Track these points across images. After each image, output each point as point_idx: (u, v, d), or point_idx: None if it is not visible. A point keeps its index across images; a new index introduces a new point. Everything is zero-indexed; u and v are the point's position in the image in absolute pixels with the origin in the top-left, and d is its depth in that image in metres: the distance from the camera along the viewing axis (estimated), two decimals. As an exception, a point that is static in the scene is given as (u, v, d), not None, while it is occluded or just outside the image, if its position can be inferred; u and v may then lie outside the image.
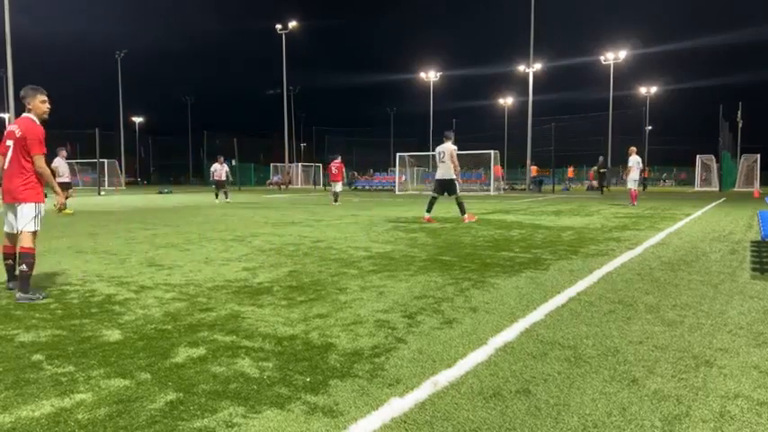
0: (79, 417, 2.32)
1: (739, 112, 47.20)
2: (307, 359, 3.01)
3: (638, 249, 7.22)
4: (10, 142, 4.60)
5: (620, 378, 2.75)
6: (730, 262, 6.21)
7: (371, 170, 47.18)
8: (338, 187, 19.44)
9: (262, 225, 11.00)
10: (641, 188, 43.79)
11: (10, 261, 4.77)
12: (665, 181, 59.67)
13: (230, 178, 23.18)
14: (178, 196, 27.69)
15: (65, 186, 14.54)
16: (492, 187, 32.99)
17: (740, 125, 48.38)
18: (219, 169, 22.45)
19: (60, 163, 15.04)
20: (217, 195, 22.55)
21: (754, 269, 5.75)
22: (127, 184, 53.33)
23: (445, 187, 11.84)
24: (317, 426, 2.24)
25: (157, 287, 4.90)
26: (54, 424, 2.25)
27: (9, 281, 4.79)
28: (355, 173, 45.62)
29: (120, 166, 52.54)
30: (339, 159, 20.11)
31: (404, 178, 37.81)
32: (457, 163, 11.71)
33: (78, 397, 2.51)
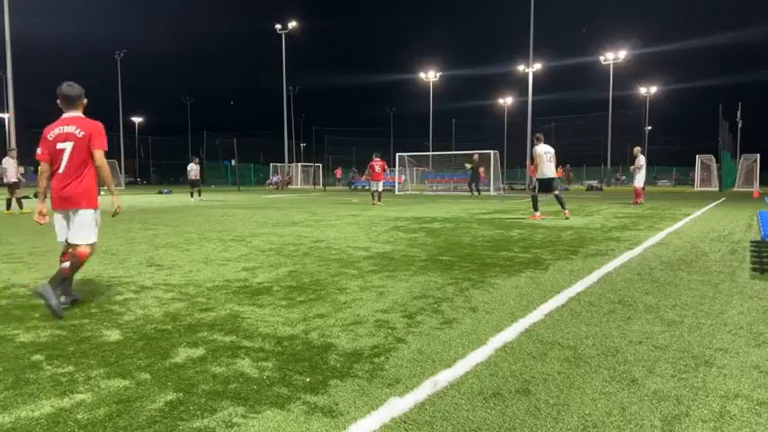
0: (79, 417, 2.32)
1: (739, 112, 47.23)
2: (307, 359, 3.01)
3: (638, 249, 7.22)
4: (67, 144, 4.21)
5: (620, 378, 2.75)
6: (730, 262, 6.21)
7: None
8: (380, 186, 19.14)
9: (262, 225, 11.00)
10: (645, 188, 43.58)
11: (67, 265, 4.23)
12: (657, 180, 59.78)
13: (198, 178, 24.49)
14: (178, 196, 27.68)
15: (13, 186, 14.73)
16: (492, 187, 32.99)
17: (740, 125, 48.41)
18: (195, 169, 23.60)
19: (10, 164, 15.18)
20: (192, 194, 23.38)
21: (753, 269, 5.75)
22: (126, 184, 53.32)
23: (550, 185, 12.50)
24: (316, 426, 2.24)
25: (157, 287, 4.90)
26: (54, 424, 2.25)
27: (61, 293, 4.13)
28: (355, 171, 45.61)
29: (120, 166, 52.55)
30: (380, 157, 19.49)
31: (404, 178, 37.84)
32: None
33: (78, 397, 2.51)
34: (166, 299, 4.45)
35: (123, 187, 47.57)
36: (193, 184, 23.47)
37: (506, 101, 70.17)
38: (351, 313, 3.99)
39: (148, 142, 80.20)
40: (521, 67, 47.16)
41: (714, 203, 18.94)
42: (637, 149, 18.43)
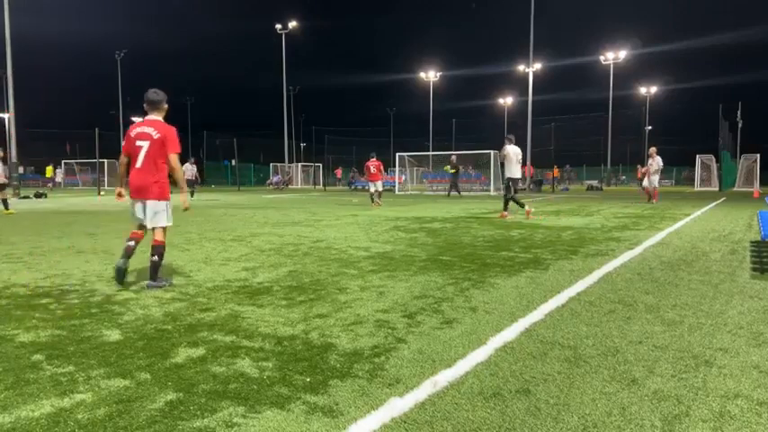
0: (79, 417, 2.32)
1: (739, 112, 47.22)
2: (307, 359, 3.01)
3: (638, 249, 7.22)
4: (143, 143, 4.88)
5: (620, 378, 2.75)
6: (730, 262, 6.21)
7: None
8: (378, 186, 18.69)
9: (262, 225, 11.00)
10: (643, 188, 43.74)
11: (132, 243, 5.02)
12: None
13: (196, 179, 26.11)
14: (176, 196, 27.65)
15: (0, 187, 14.72)
16: (492, 187, 33.00)
17: (740, 125, 48.40)
18: (190, 169, 25.06)
19: None
20: (192, 194, 24.40)
21: (754, 269, 5.75)
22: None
23: (516, 185, 12.86)
24: (316, 426, 2.24)
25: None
26: (54, 424, 2.25)
27: (122, 257, 4.97)
28: (355, 171, 45.58)
29: (120, 166, 52.40)
30: (375, 157, 18.98)
31: (404, 178, 37.83)
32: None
33: (78, 397, 2.51)
34: (166, 299, 4.45)
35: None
36: (189, 184, 24.19)
37: (506, 101, 70.15)
38: (351, 313, 3.99)
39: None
40: (521, 67, 47.13)
41: (714, 203, 18.94)
42: (653, 150, 19.05)
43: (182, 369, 2.86)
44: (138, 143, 4.91)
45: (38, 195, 24.98)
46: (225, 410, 2.38)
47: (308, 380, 2.72)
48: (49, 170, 45.16)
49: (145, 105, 5.07)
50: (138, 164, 4.92)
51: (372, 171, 18.75)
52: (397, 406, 2.42)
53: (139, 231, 5.09)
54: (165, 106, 5.13)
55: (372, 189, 18.81)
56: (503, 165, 12.98)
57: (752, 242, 7.87)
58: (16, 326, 3.67)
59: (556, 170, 42.32)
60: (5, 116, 30.24)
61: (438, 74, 63.76)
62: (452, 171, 27.69)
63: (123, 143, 5.08)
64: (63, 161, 49.24)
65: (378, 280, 5.20)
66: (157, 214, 4.96)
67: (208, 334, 3.48)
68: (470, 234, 9.19)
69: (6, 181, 15.42)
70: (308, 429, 2.22)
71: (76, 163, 49.97)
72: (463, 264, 6.12)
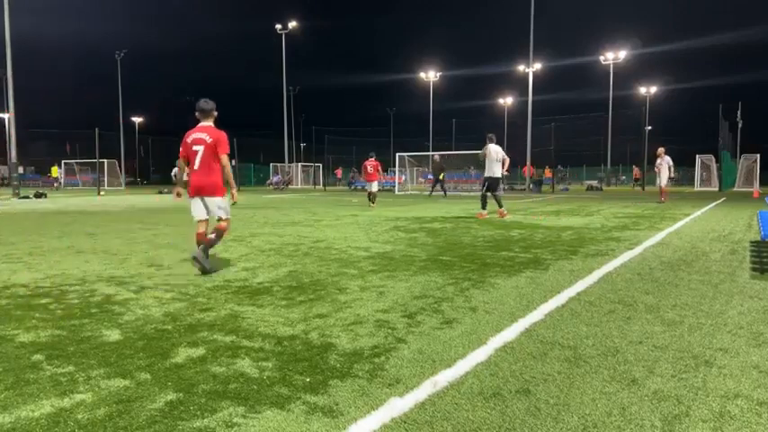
0: (79, 417, 2.32)
1: (739, 112, 47.20)
2: (307, 359, 3.01)
3: (638, 249, 7.22)
4: (199, 147, 5.54)
5: (620, 378, 2.75)
6: (730, 262, 6.21)
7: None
8: (374, 187, 18.11)
9: (262, 225, 11.00)
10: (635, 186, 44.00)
11: (205, 237, 5.72)
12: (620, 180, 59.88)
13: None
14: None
15: None
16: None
17: (740, 125, 48.38)
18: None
19: None
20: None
21: (754, 269, 5.75)
22: (127, 184, 53.31)
23: (497, 184, 12.94)
24: (316, 426, 2.24)
25: (157, 287, 4.90)
26: (54, 424, 2.25)
27: (200, 249, 5.60)
28: (355, 171, 45.57)
29: (120, 166, 52.53)
30: (374, 157, 18.32)
31: (403, 178, 37.82)
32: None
33: (78, 397, 2.51)
34: (166, 299, 4.45)
35: (123, 187, 47.59)
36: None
37: (506, 101, 70.14)
38: (351, 313, 3.99)
39: (148, 142, 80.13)
40: (521, 67, 47.12)
41: (714, 203, 18.94)
42: (661, 150, 19.54)
43: (182, 369, 2.86)
44: (195, 148, 5.55)
45: (38, 195, 24.98)
46: (225, 410, 2.38)
47: (308, 380, 2.72)
48: (54, 170, 45.15)
49: (197, 113, 5.67)
50: (196, 166, 5.58)
51: (369, 171, 18.26)
52: (397, 406, 2.42)
53: (202, 231, 5.73)
54: (215, 114, 5.74)
55: (368, 189, 18.46)
56: (483, 163, 12.95)
57: (752, 242, 7.87)
58: (16, 326, 3.67)
59: (548, 171, 42.33)
60: (5, 116, 30.24)
61: (438, 74, 63.73)
62: (438, 172, 27.63)
63: (180, 148, 5.68)
64: (63, 161, 49.25)
65: (378, 280, 5.20)
66: (220, 208, 5.72)
67: (208, 334, 3.48)
68: (470, 234, 9.19)
69: None
70: (308, 429, 2.22)
71: (76, 163, 49.97)
72: (463, 264, 6.12)
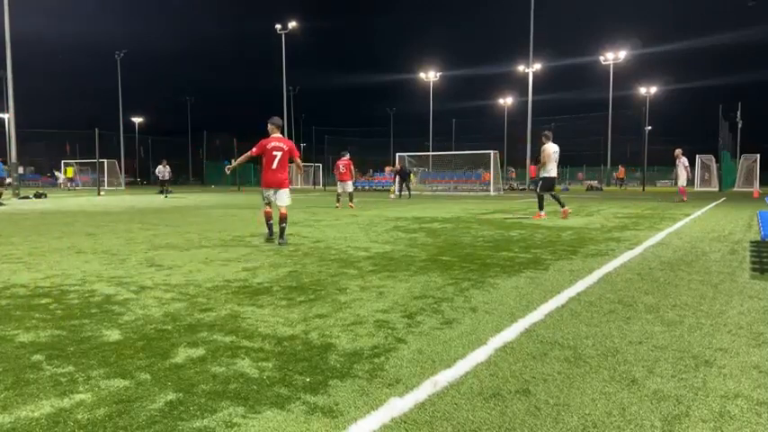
0: (79, 417, 2.31)
1: (739, 112, 47.19)
2: (307, 359, 3.01)
3: (638, 249, 7.22)
4: (278, 153, 7.84)
5: (619, 378, 2.75)
6: (730, 262, 6.21)
7: (371, 170, 47.10)
8: (348, 187, 17.35)
9: (262, 225, 10.98)
10: (624, 187, 44.00)
11: (271, 221, 8.18)
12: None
13: (171, 178, 30.28)
14: (178, 196, 27.67)
15: None
16: (492, 187, 33.01)
17: (740, 125, 48.38)
18: (163, 170, 28.96)
19: None
20: (162, 192, 28.28)
21: (753, 269, 5.75)
22: (126, 184, 53.29)
23: (553, 183, 12.70)
24: (316, 426, 2.24)
25: (157, 287, 4.90)
26: (54, 424, 2.25)
27: (270, 233, 8.27)
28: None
29: (120, 166, 52.53)
30: (347, 156, 17.77)
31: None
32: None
33: (78, 397, 2.51)
34: (166, 299, 4.45)
35: (123, 187, 47.57)
36: (162, 183, 28.83)
37: (506, 101, 70.15)
38: (351, 313, 3.99)
39: (148, 142, 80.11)
40: (521, 67, 47.14)
41: (714, 203, 18.94)
42: (678, 151, 20.30)
43: (182, 369, 2.86)
44: (275, 153, 7.81)
45: (38, 195, 24.97)
46: (225, 410, 2.38)
47: (308, 380, 2.72)
48: (69, 170, 44.84)
49: (270, 126, 7.95)
50: (274, 166, 7.82)
51: (342, 170, 17.47)
52: (397, 406, 2.41)
53: (269, 209, 8.15)
54: (282, 127, 8.16)
55: (340, 190, 17.51)
56: (542, 163, 12.35)
57: (752, 242, 7.87)
58: (16, 326, 3.67)
59: (533, 170, 42.28)
60: (5, 116, 30.21)
61: (438, 74, 63.77)
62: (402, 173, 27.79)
63: (255, 149, 7.92)
64: (63, 161, 49.27)
65: (378, 280, 5.20)
66: (285, 197, 7.97)
67: (208, 334, 3.48)
68: (470, 234, 9.19)
69: None
70: (308, 429, 2.22)
71: (76, 163, 49.99)
72: (463, 264, 6.12)
